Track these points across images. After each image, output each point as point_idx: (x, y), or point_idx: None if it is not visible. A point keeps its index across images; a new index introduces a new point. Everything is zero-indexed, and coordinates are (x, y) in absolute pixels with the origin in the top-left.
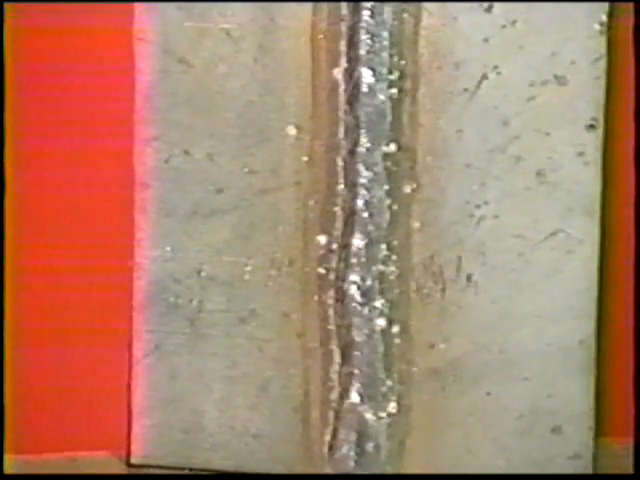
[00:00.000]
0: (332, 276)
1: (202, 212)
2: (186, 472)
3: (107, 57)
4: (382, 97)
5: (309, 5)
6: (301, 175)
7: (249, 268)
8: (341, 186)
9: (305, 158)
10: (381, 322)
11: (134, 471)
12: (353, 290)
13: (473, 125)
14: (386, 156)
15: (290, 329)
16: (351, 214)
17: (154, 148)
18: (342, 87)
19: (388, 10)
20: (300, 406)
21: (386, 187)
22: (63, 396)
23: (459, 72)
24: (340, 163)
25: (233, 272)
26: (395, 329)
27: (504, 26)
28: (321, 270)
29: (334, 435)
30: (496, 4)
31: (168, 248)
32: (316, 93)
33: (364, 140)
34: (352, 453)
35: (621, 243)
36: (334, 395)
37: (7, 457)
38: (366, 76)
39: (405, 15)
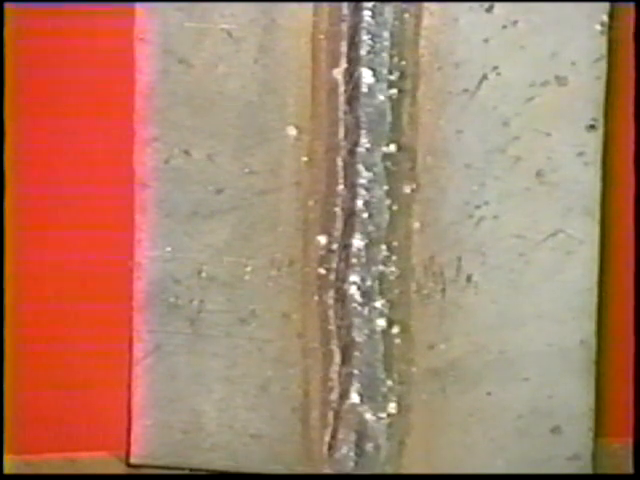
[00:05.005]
0: (332, 276)
1: (202, 212)
2: (186, 472)
3: (107, 57)
4: (382, 97)
5: (309, 5)
6: (301, 175)
7: (249, 268)
8: (341, 186)
9: (305, 158)
10: (381, 322)
11: (134, 471)
12: (353, 290)
13: (473, 125)
14: (386, 156)
15: (290, 329)
16: (351, 214)
17: (154, 148)
18: (342, 87)
19: (389, 10)
20: (300, 406)
21: (386, 187)
22: (63, 396)
23: (459, 72)
24: (340, 163)
25: (233, 272)
26: (395, 329)
27: (505, 26)
28: (321, 270)
29: (334, 435)
30: (497, 4)
31: (168, 248)
32: (316, 93)
33: (364, 140)
34: (352, 453)
35: (621, 243)
36: (334, 395)
37: (7, 457)
38: (366, 76)
39: (406, 15)
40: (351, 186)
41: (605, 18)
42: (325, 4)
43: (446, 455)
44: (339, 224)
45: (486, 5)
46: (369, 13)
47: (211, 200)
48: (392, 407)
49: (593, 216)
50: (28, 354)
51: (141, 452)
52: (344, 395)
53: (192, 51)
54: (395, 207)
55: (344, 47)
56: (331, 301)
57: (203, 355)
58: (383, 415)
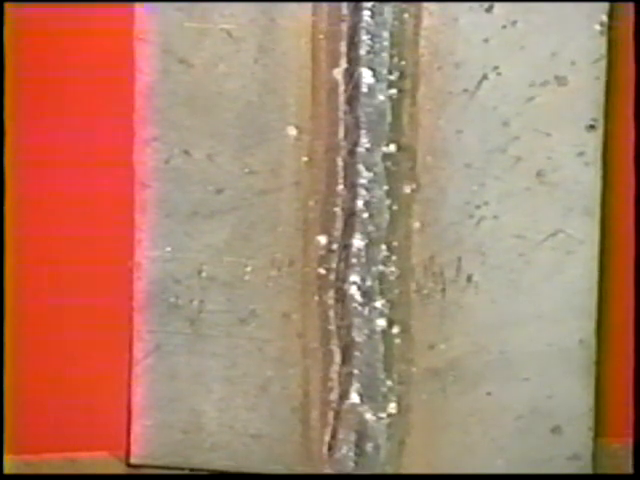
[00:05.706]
0: (332, 276)
1: (202, 212)
2: (186, 472)
3: (107, 57)
4: (382, 97)
5: (309, 5)
6: (301, 175)
7: (249, 268)
8: (341, 186)
9: (305, 158)
10: (381, 322)
11: (134, 471)
12: (353, 290)
13: (473, 125)
14: (386, 156)
15: (290, 329)
16: (351, 214)
17: (154, 148)
18: (342, 87)
19: (388, 10)
20: (300, 406)
21: (386, 187)
22: (63, 396)
23: (459, 72)
24: (340, 163)
25: (233, 272)
26: (395, 329)
27: (504, 26)
28: (321, 270)
29: (334, 435)
30: (496, 4)
31: (168, 248)
32: (316, 93)
33: (364, 140)
34: (352, 453)
35: (621, 243)
36: (334, 395)
37: (7, 457)
38: (366, 76)
39: (405, 15)
40: (351, 186)
41: (605, 18)
42: (324, 4)
43: (446, 455)
44: (339, 224)
45: (486, 5)
46: (368, 13)
47: (211, 200)
48: (392, 407)
49: (593, 216)
50: (28, 354)
51: (141, 452)
52: (344, 395)
53: (192, 51)
54: (395, 207)
55: (344, 47)
56: (331, 301)
57: (203, 355)
58: (383, 415)
